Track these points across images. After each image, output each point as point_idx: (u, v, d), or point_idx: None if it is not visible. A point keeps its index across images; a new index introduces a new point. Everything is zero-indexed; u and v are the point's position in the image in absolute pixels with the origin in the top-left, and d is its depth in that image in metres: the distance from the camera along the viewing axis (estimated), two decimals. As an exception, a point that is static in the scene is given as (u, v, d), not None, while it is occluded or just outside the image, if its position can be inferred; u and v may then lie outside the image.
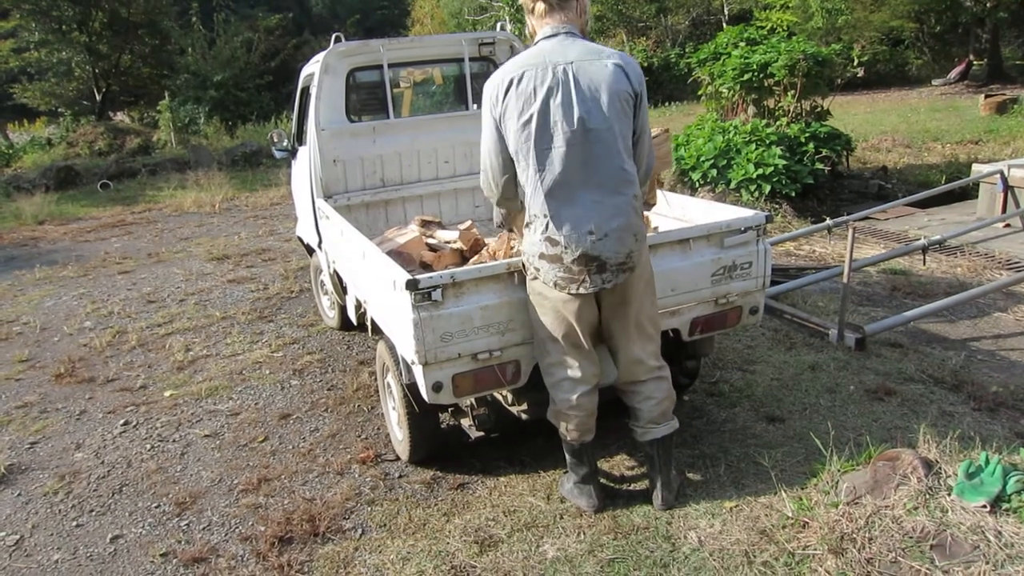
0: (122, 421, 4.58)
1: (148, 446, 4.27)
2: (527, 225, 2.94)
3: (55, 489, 3.88)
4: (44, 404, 4.93)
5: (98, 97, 23.53)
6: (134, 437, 4.39)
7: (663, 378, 3.18)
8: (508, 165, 2.94)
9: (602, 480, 3.51)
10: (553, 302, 2.94)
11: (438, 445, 3.80)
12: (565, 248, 2.82)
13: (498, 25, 5.35)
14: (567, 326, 2.96)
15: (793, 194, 8.73)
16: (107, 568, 3.23)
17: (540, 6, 2.91)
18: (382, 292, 3.31)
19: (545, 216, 2.84)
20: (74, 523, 3.58)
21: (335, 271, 4.81)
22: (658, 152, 3.36)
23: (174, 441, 4.31)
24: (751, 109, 10.14)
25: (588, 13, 3.05)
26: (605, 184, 2.81)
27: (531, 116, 2.78)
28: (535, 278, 2.95)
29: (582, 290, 2.86)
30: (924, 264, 6.54)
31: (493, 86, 2.90)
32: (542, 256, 2.88)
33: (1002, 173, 7.78)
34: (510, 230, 3.42)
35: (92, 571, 3.21)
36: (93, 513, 3.65)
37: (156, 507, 3.66)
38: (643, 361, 3.10)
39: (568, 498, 3.37)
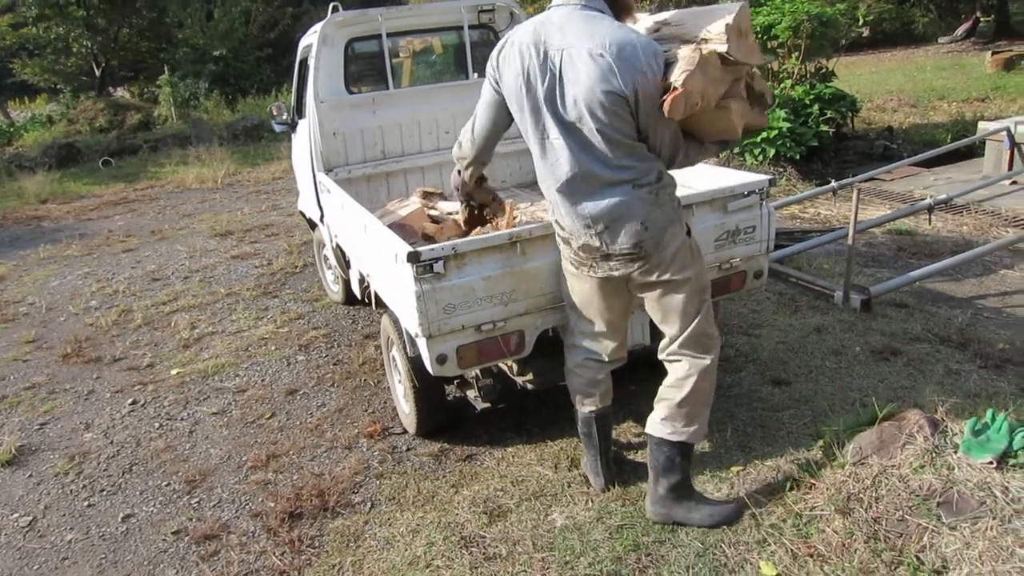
0: (130, 400, 4.61)
1: (156, 425, 4.30)
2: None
3: (66, 469, 3.91)
4: (52, 385, 4.96)
5: (97, 73, 23.30)
6: (142, 416, 4.42)
7: (690, 365, 2.86)
8: (495, 130, 2.98)
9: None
10: (572, 275, 2.95)
11: (445, 417, 3.81)
12: (570, 235, 2.80)
13: (496, -9, 5.24)
14: (586, 299, 2.95)
15: (798, 157, 8.66)
16: (120, 547, 3.26)
17: None
18: (384, 265, 3.30)
19: (552, 203, 2.83)
20: (86, 503, 3.61)
21: (338, 245, 4.79)
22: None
23: (182, 419, 4.33)
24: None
25: None
26: (602, 178, 2.63)
27: (523, 103, 2.69)
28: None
29: (591, 274, 2.84)
30: (930, 223, 6.49)
31: (493, 57, 2.83)
32: (558, 236, 2.90)
33: (1008, 130, 7.68)
34: (464, 199, 3.46)
35: (105, 550, 3.25)
36: (104, 493, 3.68)
37: (166, 485, 3.69)
38: (673, 339, 2.90)
39: (584, 470, 3.35)
